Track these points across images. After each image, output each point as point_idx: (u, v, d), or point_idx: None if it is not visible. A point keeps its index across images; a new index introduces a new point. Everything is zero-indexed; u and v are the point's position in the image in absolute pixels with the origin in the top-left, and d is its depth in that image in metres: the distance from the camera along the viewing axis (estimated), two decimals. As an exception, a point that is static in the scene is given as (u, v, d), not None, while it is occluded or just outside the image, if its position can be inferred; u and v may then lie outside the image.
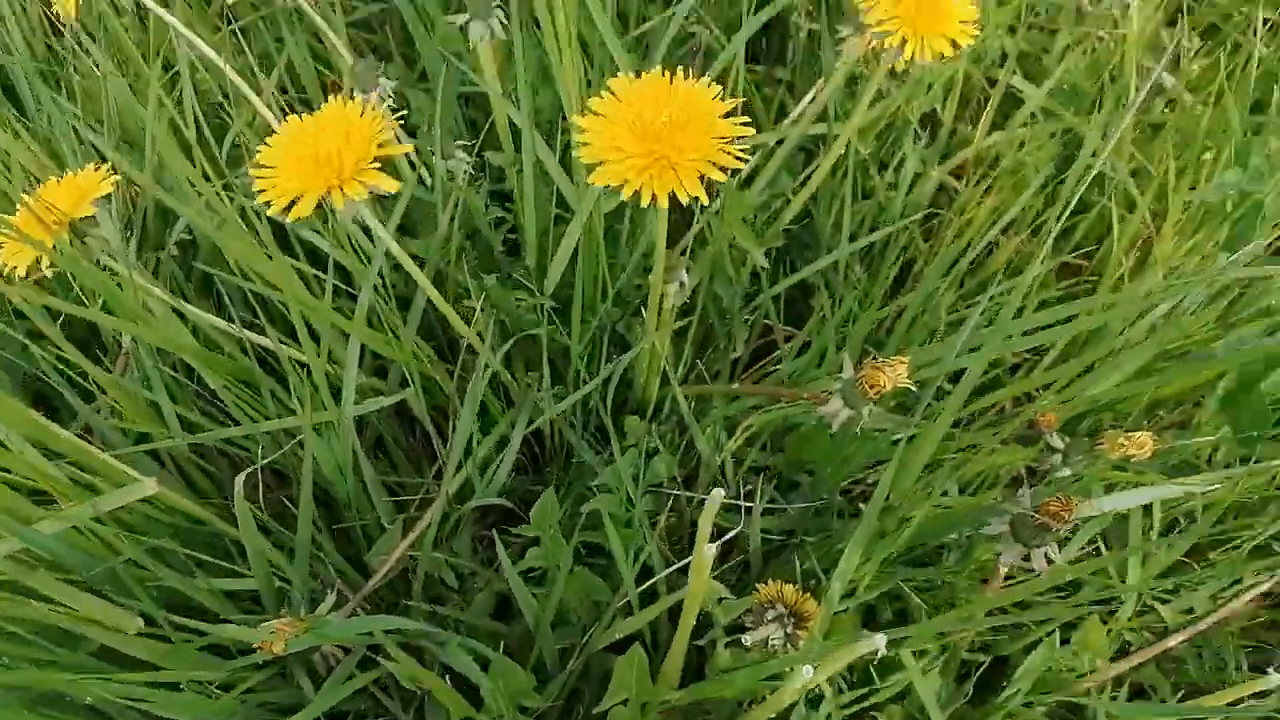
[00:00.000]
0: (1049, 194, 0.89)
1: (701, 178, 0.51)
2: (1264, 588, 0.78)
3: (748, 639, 0.64)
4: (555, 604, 0.65)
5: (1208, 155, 0.81)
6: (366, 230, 0.76)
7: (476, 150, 0.78)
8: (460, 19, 0.70)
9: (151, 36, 0.81)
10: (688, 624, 0.56)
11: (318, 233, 0.73)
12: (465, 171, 0.77)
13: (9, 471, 0.59)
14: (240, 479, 0.60)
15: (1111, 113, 0.92)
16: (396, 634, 0.65)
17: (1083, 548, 0.77)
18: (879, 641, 0.45)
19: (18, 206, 0.62)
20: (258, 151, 0.52)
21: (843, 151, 0.80)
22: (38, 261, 0.60)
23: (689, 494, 0.80)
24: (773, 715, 0.60)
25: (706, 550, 0.47)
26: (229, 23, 0.83)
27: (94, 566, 0.60)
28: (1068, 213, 0.72)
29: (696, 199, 0.50)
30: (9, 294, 0.60)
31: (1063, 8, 1.01)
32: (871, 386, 0.61)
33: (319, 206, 0.52)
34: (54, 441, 0.58)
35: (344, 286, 0.76)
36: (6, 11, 0.86)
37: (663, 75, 0.54)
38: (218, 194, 0.69)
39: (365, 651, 0.66)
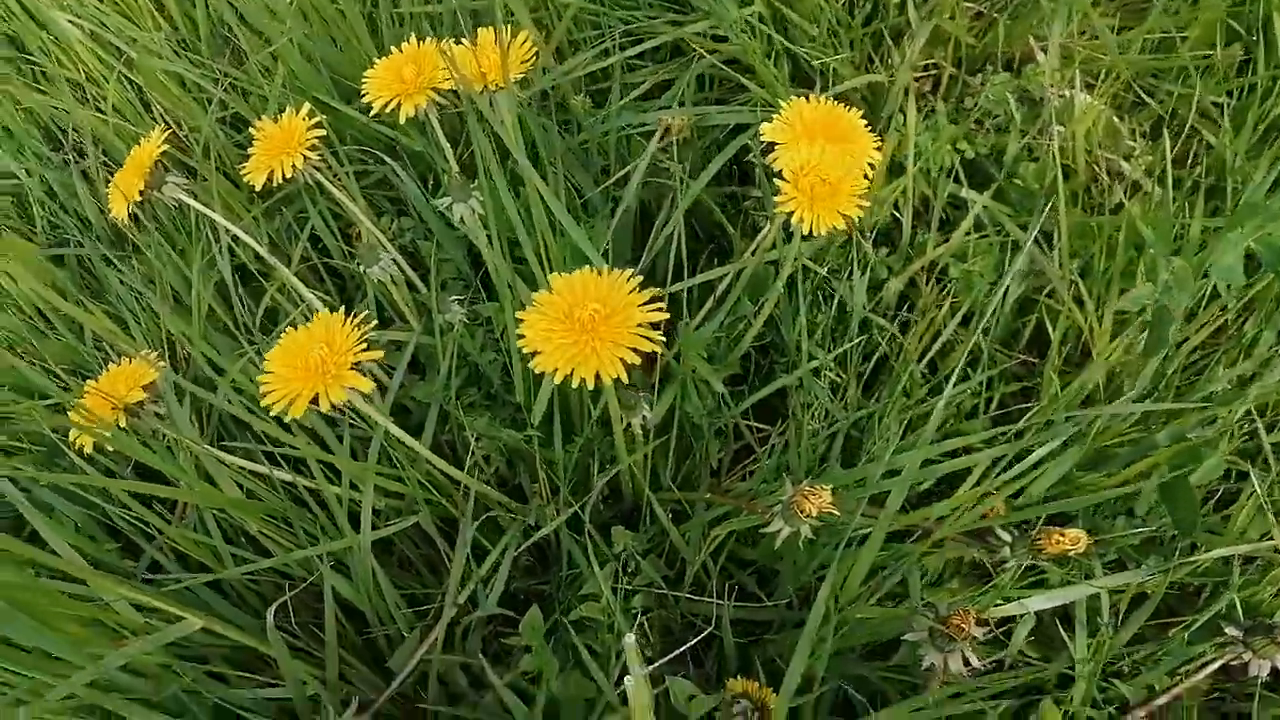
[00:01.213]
0: (1001, 296, 0.96)
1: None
2: (1218, 664, 0.83)
3: (713, 734, 0.73)
4: (542, 708, 0.75)
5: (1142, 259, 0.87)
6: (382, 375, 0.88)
7: (468, 299, 0.90)
8: (445, 202, 0.82)
9: (197, 219, 0.95)
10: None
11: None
12: (461, 320, 0.88)
13: (84, 615, 0.72)
14: (271, 610, 0.72)
15: (1065, 211, 0.98)
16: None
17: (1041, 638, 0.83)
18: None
19: (85, 390, 0.76)
20: (266, 365, 0.64)
21: (797, 275, 0.90)
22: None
23: (674, 593, 0.89)
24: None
25: (634, 687, 0.56)
26: (265, 199, 0.96)
27: (158, 688, 0.72)
28: (996, 316, 0.80)
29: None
30: (86, 478, 0.73)
31: (1015, 110, 1.08)
32: (801, 510, 0.70)
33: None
34: (125, 595, 0.71)
35: (360, 425, 0.88)
36: (89, 206, 1.02)
37: (593, 271, 0.64)
38: (250, 360, 0.82)
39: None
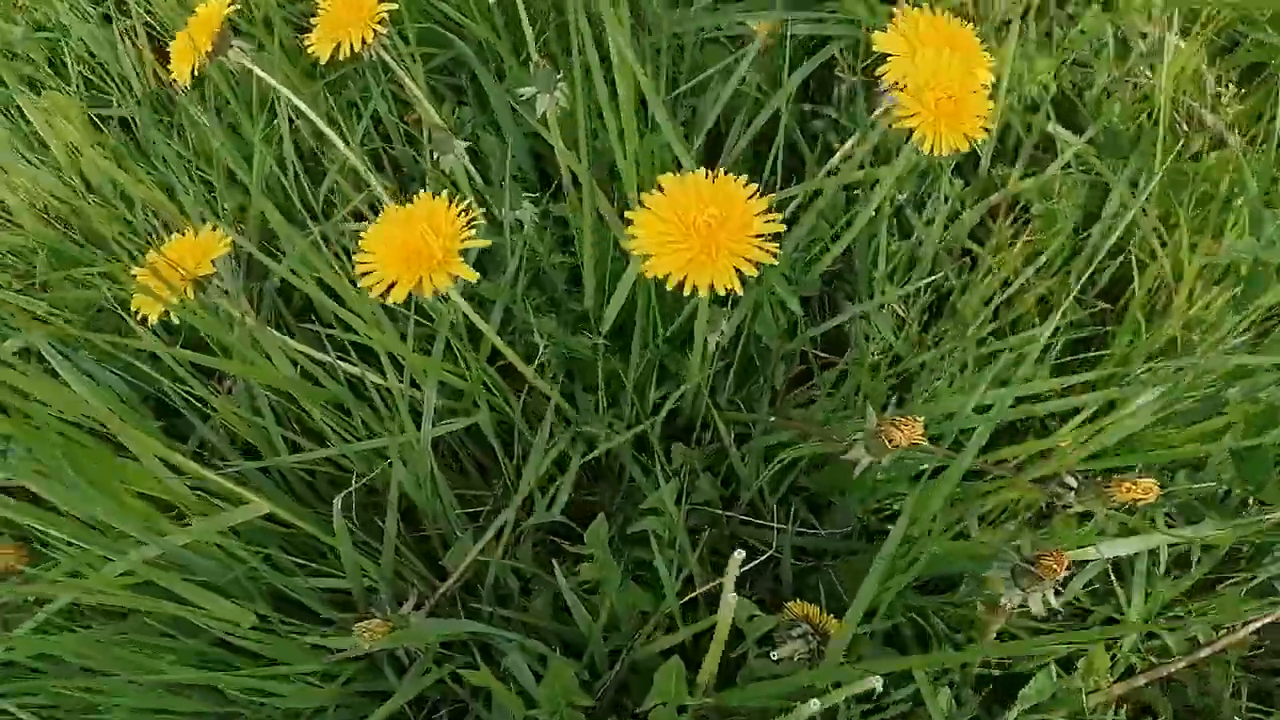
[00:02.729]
0: (1080, 238, 0.94)
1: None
2: (1263, 622, 0.84)
3: (775, 654, 0.73)
4: (607, 616, 0.74)
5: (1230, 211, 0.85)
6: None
7: (545, 199, 0.86)
8: (529, 91, 0.77)
9: (255, 90, 0.90)
10: (717, 649, 0.65)
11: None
12: (532, 219, 0.85)
13: (149, 493, 0.69)
14: (338, 500, 0.71)
15: (1147, 157, 0.96)
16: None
17: (1090, 582, 0.83)
18: (875, 683, 0.53)
19: (148, 261, 0.73)
20: (360, 237, 0.61)
21: (885, 204, 0.87)
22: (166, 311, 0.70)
23: (729, 514, 0.88)
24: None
25: (729, 602, 0.55)
26: (321, 77, 0.91)
27: (216, 570, 0.71)
28: (1094, 263, 0.78)
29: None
30: (142, 342, 0.70)
31: (1104, 46, 1.04)
32: (890, 440, 0.69)
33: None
34: (183, 466, 0.69)
35: (424, 322, 0.85)
36: (130, 73, 0.96)
37: (705, 175, 0.61)
38: (314, 242, 0.78)
39: (439, 649, 0.77)
